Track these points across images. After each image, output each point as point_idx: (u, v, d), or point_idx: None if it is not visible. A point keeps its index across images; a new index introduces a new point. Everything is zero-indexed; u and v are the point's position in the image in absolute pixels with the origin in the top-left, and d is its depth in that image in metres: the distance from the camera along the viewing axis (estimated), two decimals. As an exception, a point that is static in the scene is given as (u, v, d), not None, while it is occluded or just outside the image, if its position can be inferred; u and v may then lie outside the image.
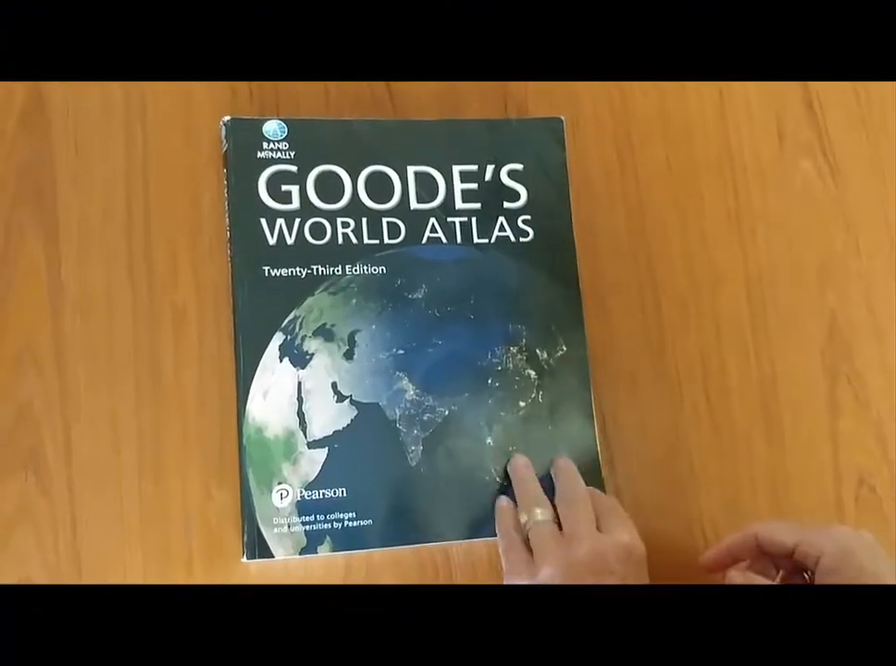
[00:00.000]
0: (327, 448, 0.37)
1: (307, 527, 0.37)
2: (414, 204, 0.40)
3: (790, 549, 0.42)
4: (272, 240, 0.38)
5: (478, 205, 0.41)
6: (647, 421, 0.52)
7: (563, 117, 0.49)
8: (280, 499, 0.36)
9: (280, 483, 0.37)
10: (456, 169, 0.41)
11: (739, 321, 0.56)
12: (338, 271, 0.38)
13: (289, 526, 0.36)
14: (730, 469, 0.52)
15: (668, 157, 0.57)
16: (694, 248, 0.56)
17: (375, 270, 0.38)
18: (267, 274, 0.37)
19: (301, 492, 0.37)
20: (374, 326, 0.38)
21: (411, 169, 0.40)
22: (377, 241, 0.39)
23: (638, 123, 0.57)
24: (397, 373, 0.38)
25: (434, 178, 0.41)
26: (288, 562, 0.41)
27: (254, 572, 0.41)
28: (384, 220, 0.39)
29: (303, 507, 0.37)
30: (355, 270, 0.38)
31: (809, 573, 0.42)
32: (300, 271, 0.38)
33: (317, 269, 0.38)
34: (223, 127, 0.40)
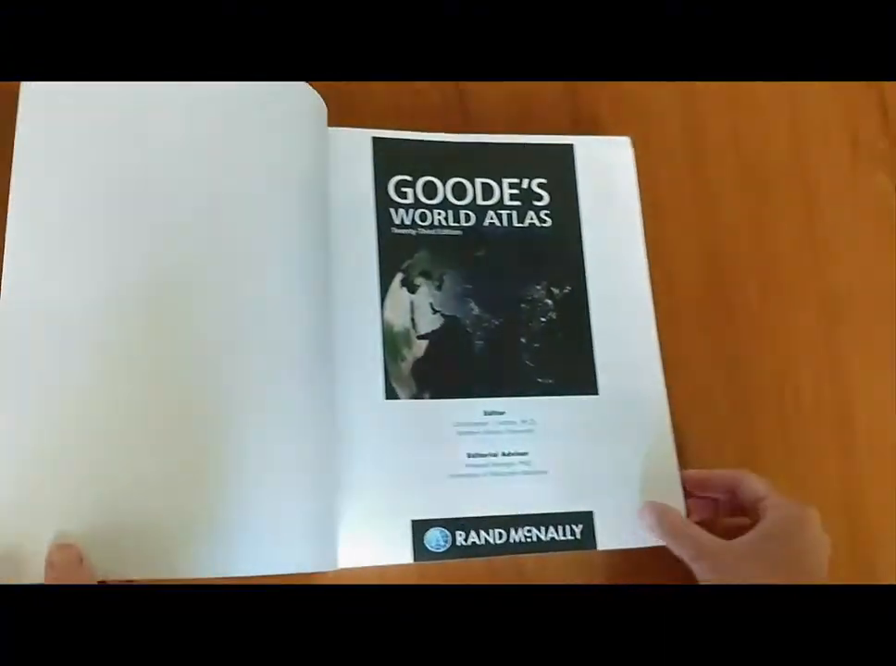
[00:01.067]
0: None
1: None
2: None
3: (760, 498, 0.46)
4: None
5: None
6: (721, 438, 0.53)
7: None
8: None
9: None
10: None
11: (812, 339, 0.55)
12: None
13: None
14: (803, 489, 0.51)
15: (741, 172, 0.58)
16: (767, 264, 0.56)
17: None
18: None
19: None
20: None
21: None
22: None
23: (709, 138, 0.58)
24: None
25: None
26: (364, 571, 0.47)
27: (331, 577, 0.46)
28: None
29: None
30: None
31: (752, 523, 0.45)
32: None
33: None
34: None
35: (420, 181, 0.56)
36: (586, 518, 0.49)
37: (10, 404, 0.41)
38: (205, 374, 0.44)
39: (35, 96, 0.46)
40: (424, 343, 0.54)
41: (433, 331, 0.54)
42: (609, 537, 0.49)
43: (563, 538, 0.49)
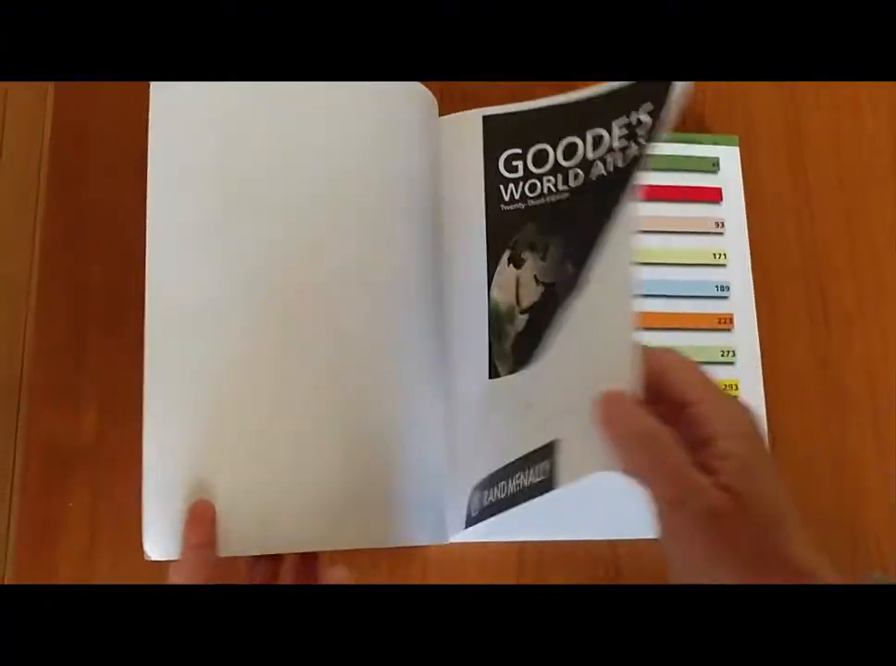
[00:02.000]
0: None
1: None
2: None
3: (685, 402, 0.30)
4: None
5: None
6: (814, 435, 0.54)
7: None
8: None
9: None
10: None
11: (906, 339, 0.54)
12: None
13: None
14: (895, 487, 0.53)
15: (839, 173, 0.59)
16: (862, 265, 0.58)
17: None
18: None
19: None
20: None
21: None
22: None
23: (810, 138, 0.60)
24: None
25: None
26: (464, 547, 0.50)
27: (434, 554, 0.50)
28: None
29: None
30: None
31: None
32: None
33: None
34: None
35: (531, 151, 0.55)
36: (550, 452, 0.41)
37: (165, 391, 0.45)
38: (337, 368, 0.50)
39: (165, 98, 0.49)
40: (524, 318, 0.54)
41: (533, 304, 0.54)
42: (572, 468, 0.39)
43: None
